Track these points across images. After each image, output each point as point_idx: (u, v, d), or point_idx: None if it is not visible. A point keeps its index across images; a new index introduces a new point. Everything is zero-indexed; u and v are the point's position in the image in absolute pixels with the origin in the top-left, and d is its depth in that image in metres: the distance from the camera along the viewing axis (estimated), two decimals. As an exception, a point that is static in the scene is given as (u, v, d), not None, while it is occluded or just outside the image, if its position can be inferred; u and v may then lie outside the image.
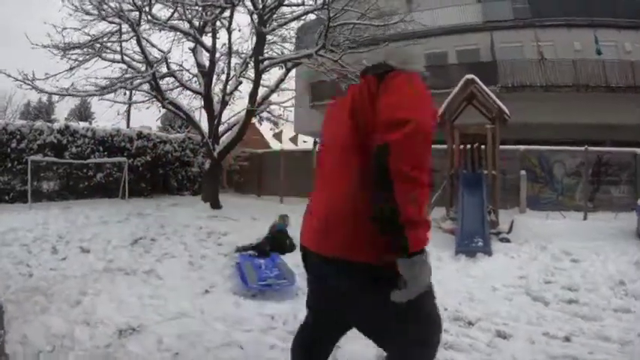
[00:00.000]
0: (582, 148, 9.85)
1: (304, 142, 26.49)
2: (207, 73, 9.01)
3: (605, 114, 12.82)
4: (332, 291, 1.36)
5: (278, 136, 19.47)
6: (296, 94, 12.32)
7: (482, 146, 8.06)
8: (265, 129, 18.09)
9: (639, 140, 10.93)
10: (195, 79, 9.87)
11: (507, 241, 6.30)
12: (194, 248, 5.60)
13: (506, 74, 14.22)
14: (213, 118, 9.32)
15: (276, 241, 5.36)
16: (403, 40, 9.06)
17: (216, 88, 9.80)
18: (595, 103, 13.07)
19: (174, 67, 9.48)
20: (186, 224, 6.98)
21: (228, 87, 9.17)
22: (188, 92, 9.84)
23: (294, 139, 24.29)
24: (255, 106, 9.01)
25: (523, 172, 9.59)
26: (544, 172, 10.18)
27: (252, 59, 8.67)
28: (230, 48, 8.83)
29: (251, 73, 9.67)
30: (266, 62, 8.75)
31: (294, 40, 11.48)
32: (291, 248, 5.30)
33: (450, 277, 4.59)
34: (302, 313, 3.03)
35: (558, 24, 14.58)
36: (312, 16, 9.79)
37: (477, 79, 7.78)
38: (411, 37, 9.14)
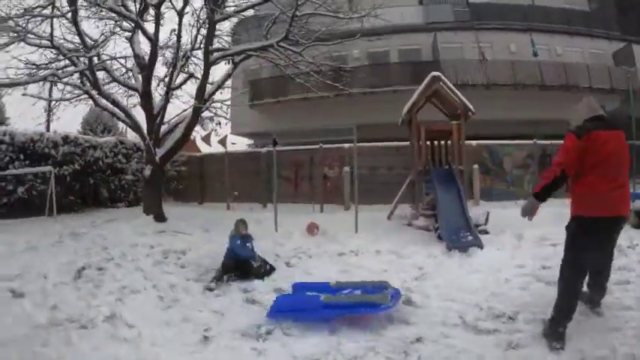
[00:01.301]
0: (531, 142, 10.85)
1: (233, 143, 25.32)
2: (146, 66, 8.03)
3: (539, 111, 14.12)
4: None
5: (206, 139, 18.39)
6: (234, 92, 11.66)
7: (445, 142, 8.30)
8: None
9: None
10: (129, 73, 8.79)
11: (486, 232, 6.44)
12: (155, 275, 4.79)
13: (449, 73, 14.83)
14: (154, 118, 8.33)
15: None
16: (349, 37, 9.01)
17: (155, 84, 8.87)
18: (531, 101, 14.36)
19: (105, 59, 8.36)
20: (132, 243, 6.02)
21: (174, 81, 8.28)
22: (121, 89, 8.77)
23: (222, 142, 23.06)
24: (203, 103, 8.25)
25: (476, 166, 10.05)
26: (494, 165, 10.86)
27: (202, 50, 7.92)
28: (180, 34, 7.93)
29: (192, 67, 9.03)
30: (217, 54, 8.04)
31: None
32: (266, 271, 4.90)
33: (456, 273, 4.60)
34: (340, 343, 2.80)
35: (496, 27, 15.96)
36: (251, 12, 9.32)
37: (443, 77, 7.91)
38: (355, 35, 9.18)
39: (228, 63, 8.97)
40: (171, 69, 8.42)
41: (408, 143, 10.22)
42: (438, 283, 4.19)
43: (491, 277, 4.25)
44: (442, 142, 8.40)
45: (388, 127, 10.24)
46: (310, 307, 3.32)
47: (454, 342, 2.84)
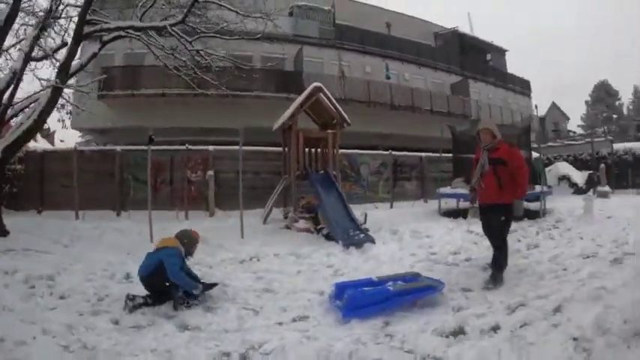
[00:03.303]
0: (386, 152, 13.15)
1: (61, 141, 21.95)
2: None
3: (389, 126, 17.02)
4: None
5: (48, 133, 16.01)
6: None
7: (322, 149, 9.37)
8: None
9: (422, 147, 15.14)
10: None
11: (367, 230, 7.46)
12: (36, 315, 3.60)
13: (311, 85, 16.32)
14: (-5, 98, 7.04)
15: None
16: (218, 35, 9.07)
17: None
18: (382, 117, 17.09)
19: None
20: None
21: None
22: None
23: (50, 138, 20.07)
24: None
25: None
26: (353, 172, 12.64)
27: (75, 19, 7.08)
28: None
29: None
30: (94, 27, 7.28)
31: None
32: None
33: (366, 266, 5.36)
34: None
35: (356, 49, 18.58)
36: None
37: (324, 88, 8.94)
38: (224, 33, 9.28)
39: (95, 41, 8.23)
40: (35, 31, 7.15)
41: (274, 148, 11.07)
42: (358, 276, 4.59)
43: (397, 265, 5.18)
44: (317, 150, 9.44)
45: (247, 131, 10.76)
46: (383, 298, 3.54)
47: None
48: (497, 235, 4.42)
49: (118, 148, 10.90)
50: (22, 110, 7.75)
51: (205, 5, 8.17)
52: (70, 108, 9.52)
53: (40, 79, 8.68)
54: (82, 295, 4.21)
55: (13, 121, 7.84)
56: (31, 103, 7.73)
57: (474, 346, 2.75)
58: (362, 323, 3.31)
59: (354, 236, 6.82)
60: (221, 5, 8.09)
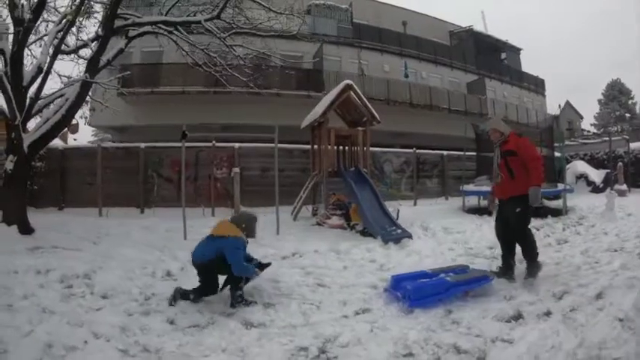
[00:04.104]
0: (410, 150, 13.25)
1: (74, 139, 21.89)
2: (19, 21, 6.54)
3: (408, 124, 16.96)
4: None
5: (74, 128, 15.89)
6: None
7: (350, 146, 9.27)
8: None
9: (439, 145, 15.08)
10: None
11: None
12: (81, 317, 3.39)
13: (330, 83, 16.02)
14: (23, 91, 6.84)
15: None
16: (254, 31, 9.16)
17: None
18: (401, 116, 16.99)
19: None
20: (7, 269, 4.43)
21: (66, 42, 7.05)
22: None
23: (64, 136, 19.95)
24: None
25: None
26: (376, 170, 12.53)
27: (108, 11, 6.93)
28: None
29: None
30: (125, 21, 7.15)
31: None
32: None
33: (409, 260, 5.34)
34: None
35: (374, 48, 18.52)
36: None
37: (354, 85, 8.74)
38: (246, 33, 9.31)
39: (122, 37, 8.12)
40: (62, 24, 7.00)
41: (299, 146, 11.11)
42: (403, 270, 4.53)
43: (440, 259, 5.17)
44: (347, 147, 9.32)
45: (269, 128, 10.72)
46: (444, 288, 3.70)
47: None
48: (518, 229, 4.33)
49: (142, 144, 10.80)
50: (46, 106, 7.62)
51: (237, 2, 8.06)
52: (91, 105, 9.46)
53: (60, 75, 8.63)
54: (127, 294, 4.03)
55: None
56: (55, 99, 7.60)
57: (534, 329, 3.06)
58: (426, 313, 3.44)
59: (392, 232, 6.75)
60: (256, 2, 7.98)
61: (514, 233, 4.36)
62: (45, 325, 3.17)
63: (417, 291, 3.62)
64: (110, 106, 9.56)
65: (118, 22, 7.21)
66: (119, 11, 7.20)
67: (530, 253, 4.28)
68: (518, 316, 3.30)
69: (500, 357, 2.69)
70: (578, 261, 5.01)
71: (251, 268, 3.91)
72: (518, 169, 4.24)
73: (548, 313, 3.32)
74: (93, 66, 7.11)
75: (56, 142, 11.73)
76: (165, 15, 8.22)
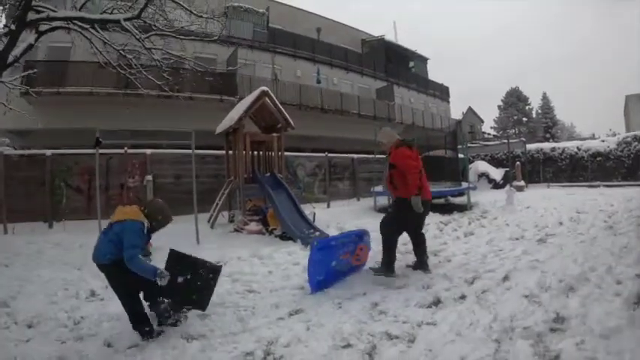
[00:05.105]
0: (322, 154, 13.95)
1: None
2: None
3: (319, 129, 17.81)
4: None
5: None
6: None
7: (265, 152, 9.63)
8: None
9: (350, 149, 16.06)
10: None
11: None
12: (4, 352, 3.13)
13: (244, 87, 16.32)
14: None
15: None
16: (174, 35, 9.26)
17: None
18: (312, 121, 17.71)
19: None
20: None
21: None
22: None
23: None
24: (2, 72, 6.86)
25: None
26: (290, 174, 12.98)
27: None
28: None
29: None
30: (39, 15, 6.83)
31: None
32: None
33: None
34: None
35: (288, 53, 19.09)
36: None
37: (270, 92, 9.17)
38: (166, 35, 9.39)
39: (32, 31, 7.71)
40: None
41: (211, 151, 11.12)
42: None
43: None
44: (261, 152, 9.67)
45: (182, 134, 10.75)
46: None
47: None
48: (381, 222, 4.86)
49: (48, 152, 9.89)
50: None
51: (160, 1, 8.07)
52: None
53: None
54: (54, 320, 3.73)
55: None
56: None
57: (453, 311, 3.47)
58: (355, 306, 3.76)
59: (310, 234, 7.15)
60: (177, 3, 8.05)
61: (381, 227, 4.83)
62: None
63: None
64: (13, 108, 8.95)
65: (31, 15, 6.89)
66: (33, 3, 6.88)
67: (384, 250, 4.69)
68: (437, 302, 3.72)
69: (428, 337, 3.01)
70: (484, 250, 5.73)
71: (150, 267, 3.25)
72: (398, 180, 4.55)
73: (463, 297, 3.77)
74: (3, 60, 6.76)
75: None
76: (80, 9, 7.93)
